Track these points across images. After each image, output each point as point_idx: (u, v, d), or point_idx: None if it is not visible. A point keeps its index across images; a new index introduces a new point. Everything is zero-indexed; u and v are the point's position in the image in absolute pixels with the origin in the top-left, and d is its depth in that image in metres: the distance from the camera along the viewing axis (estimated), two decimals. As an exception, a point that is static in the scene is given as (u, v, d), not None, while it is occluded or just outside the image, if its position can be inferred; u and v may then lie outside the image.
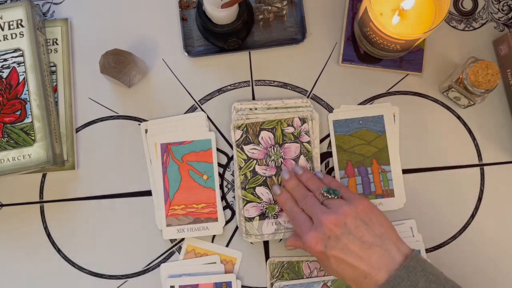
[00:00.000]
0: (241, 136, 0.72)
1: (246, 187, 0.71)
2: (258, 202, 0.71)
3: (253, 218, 0.71)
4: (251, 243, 0.72)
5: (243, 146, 0.72)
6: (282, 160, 0.71)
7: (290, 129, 0.72)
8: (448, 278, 0.58)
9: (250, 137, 0.72)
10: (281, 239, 0.72)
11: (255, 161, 0.71)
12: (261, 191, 0.71)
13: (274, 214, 0.71)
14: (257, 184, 0.71)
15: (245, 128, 0.72)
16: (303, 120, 0.72)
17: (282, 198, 0.68)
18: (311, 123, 0.72)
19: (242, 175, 0.71)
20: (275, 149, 0.72)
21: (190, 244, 0.72)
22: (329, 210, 0.62)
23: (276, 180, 0.71)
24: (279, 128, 0.72)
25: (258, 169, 0.71)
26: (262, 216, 0.71)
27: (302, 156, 0.71)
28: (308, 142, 0.72)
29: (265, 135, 0.72)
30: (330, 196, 0.64)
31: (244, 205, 0.71)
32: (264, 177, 0.71)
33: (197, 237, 0.72)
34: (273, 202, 0.71)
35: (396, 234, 0.61)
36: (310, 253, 0.63)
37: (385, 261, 0.57)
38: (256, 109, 0.73)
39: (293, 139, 0.72)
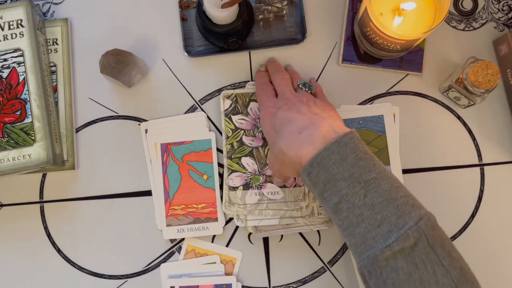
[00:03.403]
0: (230, 105, 0.72)
1: (232, 157, 0.71)
2: (243, 172, 0.71)
3: (237, 187, 0.71)
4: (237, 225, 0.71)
5: (231, 115, 0.72)
6: None
7: None
8: (380, 162, 0.57)
9: (239, 107, 0.72)
10: (282, 237, 0.72)
11: (242, 132, 0.72)
12: (246, 161, 0.71)
13: (258, 184, 0.71)
14: (243, 154, 0.72)
15: (234, 98, 0.72)
16: None
17: (260, 73, 0.72)
18: None
19: (229, 144, 0.72)
20: None
21: (190, 244, 0.72)
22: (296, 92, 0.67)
23: (262, 151, 0.71)
24: None
25: (245, 139, 0.72)
26: (246, 186, 0.71)
27: None
28: None
29: (254, 106, 0.72)
30: (304, 89, 0.68)
31: (229, 174, 0.71)
32: (251, 148, 0.72)
33: (197, 237, 0.72)
34: (257, 173, 0.71)
35: (343, 125, 0.61)
36: (261, 118, 0.66)
37: (323, 132, 0.58)
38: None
39: None
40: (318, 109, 0.63)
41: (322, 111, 0.62)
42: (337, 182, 0.55)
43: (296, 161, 0.58)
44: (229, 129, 0.72)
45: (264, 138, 0.72)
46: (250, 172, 0.71)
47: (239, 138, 0.72)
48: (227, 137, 0.72)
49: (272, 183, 0.71)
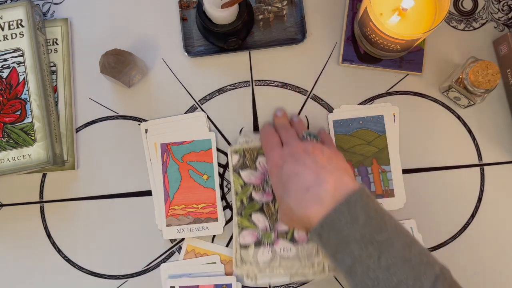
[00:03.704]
0: (238, 160, 0.71)
1: (243, 214, 0.70)
2: (254, 229, 0.70)
3: (249, 245, 0.70)
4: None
5: (240, 171, 0.71)
6: None
7: None
8: (391, 216, 0.57)
9: (247, 162, 0.71)
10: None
11: (251, 187, 0.70)
12: (257, 218, 0.70)
13: (270, 242, 0.69)
14: (253, 210, 0.70)
15: (242, 153, 0.71)
16: None
17: (266, 127, 0.70)
18: None
19: (239, 201, 0.70)
20: None
21: (190, 244, 0.72)
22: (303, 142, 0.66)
23: (272, 206, 0.70)
24: None
25: (255, 195, 0.70)
26: (258, 243, 0.69)
27: None
28: None
29: (262, 160, 0.71)
30: (309, 138, 0.67)
31: (240, 232, 0.70)
32: (261, 204, 0.70)
33: (197, 237, 0.72)
34: (269, 229, 0.70)
35: (353, 178, 0.60)
36: (268, 170, 0.66)
37: (331, 190, 0.56)
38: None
39: None
40: (325, 160, 0.61)
41: (328, 163, 0.60)
42: (349, 244, 0.55)
43: (305, 220, 0.58)
44: (238, 185, 0.71)
45: (274, 193, 0.70)
46: (262, 229, 0.70)
47: (248, 194, 0.70)
48: (237, 193, 0.71)
49: (284, 239, 0.70)
